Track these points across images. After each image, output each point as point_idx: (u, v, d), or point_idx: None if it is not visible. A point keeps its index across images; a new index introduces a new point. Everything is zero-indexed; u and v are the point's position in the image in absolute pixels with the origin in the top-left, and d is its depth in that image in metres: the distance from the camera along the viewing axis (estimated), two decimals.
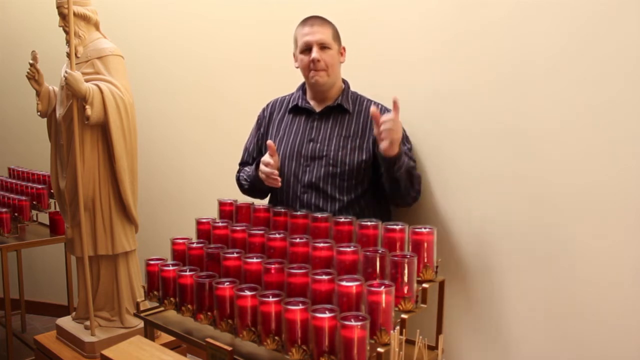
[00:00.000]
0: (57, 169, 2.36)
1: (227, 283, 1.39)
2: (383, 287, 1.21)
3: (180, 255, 1.65)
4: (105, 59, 2.24)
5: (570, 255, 1.62)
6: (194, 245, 1.61)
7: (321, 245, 1.43)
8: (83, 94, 2.11)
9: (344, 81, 1.93)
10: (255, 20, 2.52)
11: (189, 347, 2.19)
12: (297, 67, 1.88)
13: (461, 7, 1.81)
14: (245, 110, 2.51)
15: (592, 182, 1.56)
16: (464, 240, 1.86)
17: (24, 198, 2.86)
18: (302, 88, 1.97)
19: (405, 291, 1.31)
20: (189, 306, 1.50)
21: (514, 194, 1.73)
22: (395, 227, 1.45)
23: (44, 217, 3.00)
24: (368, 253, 1.35)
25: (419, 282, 1.38)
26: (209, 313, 1.45)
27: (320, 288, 1.27)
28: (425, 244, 1.41)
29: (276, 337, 1.27)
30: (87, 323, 2.32)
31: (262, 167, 1.78)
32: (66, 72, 2.14)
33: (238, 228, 1.64)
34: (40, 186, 2.99)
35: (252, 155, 2.05)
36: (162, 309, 1.62)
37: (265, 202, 2.00)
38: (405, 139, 1.84)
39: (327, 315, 1.17)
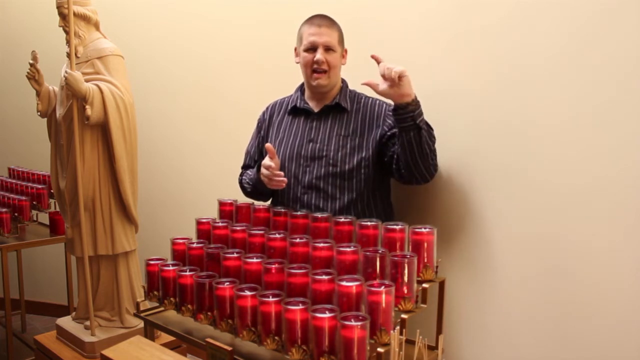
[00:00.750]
0: (57, 169, 2.36)
1: (227, 283, 1.39)
2: (383, 287, 1.21)
3: (180, 255, 1.65)
4: (105, 59, 2.24)
5: (571, 255, 1.62)
6: (194, 245, 1.61)
7: (321, 245, 1.43)
8: (83, 94, 2.11)
9: (342, 80, 1.93)
10: (255, 20, 2.52)
11: (189, 347, 2.19)
12: (297, 63, 1.88)
13: (461, 7, 1.81)
14: (245, 110, 2.51)
15: (592, 182, 1.56)
16: (464, 240, 1.86)
17: (24, 198, 2.86)
18: (301, 89, 1.97)
19: (405, 291, 1.31)
20: (189, 306, 1.50)
21: (514, 194, 1.73)
22: (395, 227, 1.45)
23: (44, 217, 3.00)
24: (368, 253, 1.35)
25: (419, 282, 1.38)
26: (209, 313, 1.45)
27: (320, 288, 1.27)
28: (425, 244, 1.41)
29: (276, 337, 1.27)
30: (87, 323, 2.32)
31: (263, 170, 1.78)
32: (66, 72, 2.14)
33: (238, 228, 1.64)
34: (40, 186, 2.99)
35: (253, 159, 2.05)
36: (162, 309, 1.62)
37: (265, 202, 2.00)
38: None
39: (327, 315, 1.17)
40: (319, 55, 1.78)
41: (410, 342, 1.31)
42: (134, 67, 2.54)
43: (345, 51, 1.90)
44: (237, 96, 2.63)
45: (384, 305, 1.20)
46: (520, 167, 1.71)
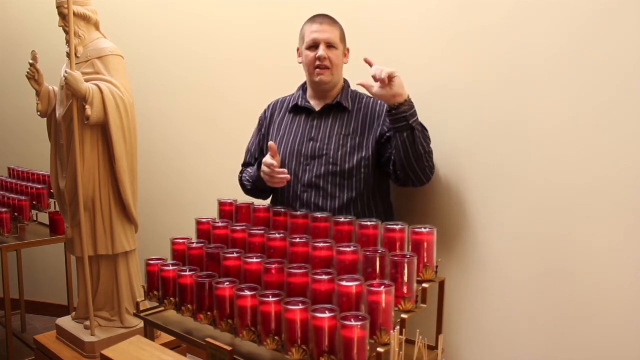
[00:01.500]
0: (57, 169, 2.36)
1: (227, 283, 1.39)
2: (383, 287, 1.21)
3: (180, 255, 1.65)
4: (105, 59, 2.24)
5: (570, 255, 1.62)
6: (194, 245, 1.61)
7: (321, 245, 1.43)
8: (83, 94, 2.11)
9: (345, 80, 1.93)
10: (255, 20, 2.52)
11: (189, 347, 2.19)
12: (300, 63, 1.89)
13: (461, 7, 1.81)
14: (245, 110, 2.51)
15: (592, 182, 1.56)
16: (464, 240, 1.86)
17: (24, 198, 2.86)
18: (303, 88, 1.97)
19: (405, 291, 1.31)
20: (189, 306, 1.50)
21: (514, 194, 1.73)
22: (395, 227, 1.45)
23: (44, 217, 3.00)
24: (368, 253, 1.35)
25: (419, 282, 1.38)
26: (209, 313, 1.45)
27: (320, 288, 1.27)
28: (425, 244, 1.41)
29: (276, 337, 1.27)
30: (87, 323, 2.32)
31: (264, 167, 1.78)
32: (66, 72, 2.14)
33: (238, 228, 1.64)
34: (40, 186, 2.99)
35: (254, 157, 2.05)
36: (162, 309, 1.62)
37: (265, 202, 2.00)
38: None
39: (327, 315, 1.17)
40: (321, 51, 1.79)
41: (410, 342, 1.31)
42: (134, 67, 2.54)
43: (348, 50, 1.90)
44: (237, 96, 2.63)
45: (384, 305, 1.20)
46: (520, 167, 1.71)
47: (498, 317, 1.80)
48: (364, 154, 1.80)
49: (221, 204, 1.86)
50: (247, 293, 1.32)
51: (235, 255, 1.49)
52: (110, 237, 2.30)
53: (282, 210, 1.72)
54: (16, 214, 2.85)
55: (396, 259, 1.32)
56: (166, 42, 2.94)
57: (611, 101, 1.51)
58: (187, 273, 1.51)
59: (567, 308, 1.64)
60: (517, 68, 1.69)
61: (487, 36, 1.76)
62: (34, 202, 2.94)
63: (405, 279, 1.31)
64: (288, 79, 2.11)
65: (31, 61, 2.28)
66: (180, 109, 2.93)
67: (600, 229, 1.56)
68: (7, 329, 2.71)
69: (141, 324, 1.93)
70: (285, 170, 1.77)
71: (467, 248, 1.85)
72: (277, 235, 1.54)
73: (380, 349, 1.19)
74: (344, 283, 1.24)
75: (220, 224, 1.70)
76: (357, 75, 1.95)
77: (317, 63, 1.81)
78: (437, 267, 1.44)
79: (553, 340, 1.67)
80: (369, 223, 1.50)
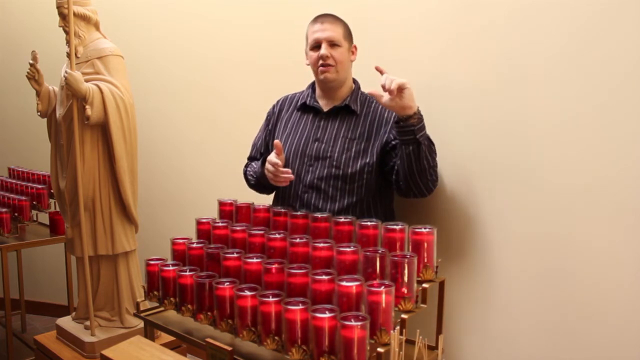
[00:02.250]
0: (57, 169, 2.36)
1: (227, 283, 1.39)
2: (383, 287, 1.21)
3: (180, 255, 1.65)
4: (105, 59, 2.24)
5: (571, 255, 1.62)
6: (194, 245, 1.61)
7: (321, 245, 1.43)
8: (83, 94, 2.11)
9: (355, 81, 1.92)
10: (256, 20, 2.52)
11: (189, 347, 2.19)
12: (308, 64, 1.88)
13: (461, 7, 1.81)
14: (245, 110, 2.51)
15: (592, 182, 1.56)
16: (464, 240, 1.86)
17: (24, 198, 2.86)
18: (312, 86, 1.97)
19: (405, 291, 1.31)
20: (189, 306, 1.50)
21: (514, 194, 1.73)
22: (395, 227, 1.45)
23: (44, 217, 3.00)
24: (368, 253, 1.35)
25: (419, 282, 1.38)
26: (209, 313, 1.45)
27: (320, 288, 1.27)
28: (425, 244, 1.41)
29: (276, 337, 1.27)
30: (87, 323, 2.32)
31: (268, 166, 1.78)
32: (66, 72, 2.14)
33: (238, 228, 1.64)
34: (40, 186, 2.99)
35: (259, 151, 2.05)
36: (162, 309, 1.62)
37: (265, 201, 2.00)
38: None
39: (327, 315, 1.17)
40: (323, 50, 1.78)
41: (410, 342, 1.31)
42: (134, 67, 2.54)
43: (355, 47, 1.88)
44: (237, 96, 2.63)
45: (384, 305, 1.20)
46: (520, 167, 1.71)
47: (498, 317, 1.80)
48: (367, 160, 1.79)
49: (221, 204, 1.86)
50: (247, 293, 1.32)
51: (235, 255, 1.49)
52: (110, 237, 2.30)
53: (282, 210, 1.72)
54: (16, 214, 2.85)
55: (396, 259, 1.32)
56: (166, 42, 2.94)
57: (611, 101, 1.51)
58: (187, 273, 1.51)
59: (567, 308, 1.64)
60: (517, 68, 1.69)
61: (487, 36, 1.76)
62: (34, 202, 2.94)
63: (405, 279, 1.31)
64: (288, 78, 2.11)
65: (31, 61, 2.28)
66: (180, 109, 2.93)
67: (601, 229, 1.56)
68: (7, 329, 2.71)
69: (141, 324, 1.93)
70: (289, 170, 1.77)
71: (467, 248, 1.85)
72: (277, 235, 1.54)
73: (380, 349, 1.19)
74: (344, 283, 1.24)
75: (220, 224, 1.70)
76: (361, 75, 1.95)
77: (320, 62, 1.80)
78: (437, 267, 1.44)
79: (553, 339, 1.67)
80: (369, 223, 1.50)
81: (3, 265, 2.66)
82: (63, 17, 2.20)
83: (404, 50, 1.98)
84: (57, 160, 2.36)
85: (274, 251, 1.52)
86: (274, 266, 1.38)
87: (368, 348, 1.15)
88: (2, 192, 3.06)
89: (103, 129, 2.22)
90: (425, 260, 1.41)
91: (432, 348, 1.39)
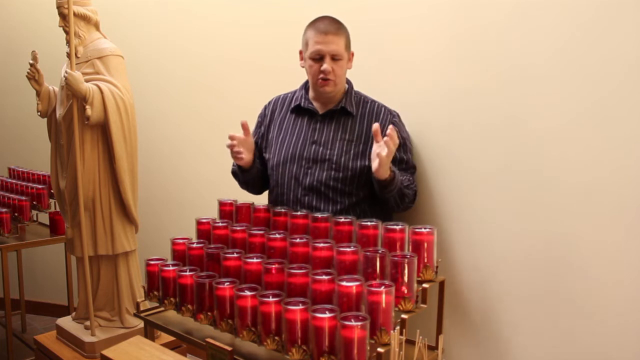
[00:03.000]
0: (57, 169, 2.36)
1: (227, 283, 1.39)
2: (383, 287, 1.21)
3: (180, 255, 1.65)
4: (106, 59, 2.24)
5: (570, 254, 1.62)
6: (194, 245, 1.61)
7: (321, 245, 1.43)
8: (83, 94, 2.11)
9: (348, 81, 1.91)
10: (255, 20, 2.52)
11: (189, 347, 2.19)
12: (303, 67, 1.85)
13: (462, 7, 1.81)
14: (245, 110, 2.50)
15: (593, 180, 1.56)
16: (464, 240, 1.86)
17: (24, 198, 2.86)
18: (305, 87, 1.95)
19: (405, 291, 1.31)
20: (189, 306, 1.50)
21: (515, 194, 1.73)
22: (395, 227, 1.45)
23: (44, 217, 2.99)
24: (368, 253, 1.35)
25: (419, 282, 1.38)
26: (209, 313, 1.45)
27: (320, 288, 1.27)
28: (425, 244, 1.41)
29: (276, 337, 1.27)
30: (87, 323, 2.32)
31: (228, 141, 1.80)
32: (66, 72, 2.14)
33: (238, 228, 1.64)
34: (40, 186, 2.99)
35: None
36: (162, 309, 1.62)
37: (265, 201, 2.00)
38: (405, 149, 1.83)
39: (327, 315, 1.17)
40: (326, 65, 1.75)
41: (410, 342, 1.31)
42: (134, 67, 2.54)
43: (352, 54, 1.86)
44: (237, 96, 2.63)
45: (384, 305, 1.20)
46: (520, 166, 1.71)
47: (498, 316, 1.80)
48: (366, 162, 1.79)
49: (221, 204, 1.86)
50: (247, 293, 1.32)
51: (235, 255, 1.49)
52: (110, 237, 2.30)
53: (282, 210, 1.72)
54: (16, 214, 2.85)
55: (396, 259, 1.32)
56: (166, 42, 2.94)
57: (611, 101, 1.51)
58: (187, 273, 1.51)
59: (568, 307, 1.64)
60: (517, 68, 1.69)
61: (487, 36, 1.76)
62: (34, 202, 2.94)
63: (405, 279, 1.31)
64: (288, 78, 2.10)
65: (31, 61, 2.28)
66: (180, 109, 2.93)
67: (601, 228, 1.56)
68: (7, 329, 2.71)
69: (141, 324, 1.93)
70: (236, 143, 1.79)
71: (467, 248, 1.85)
72: (277, 235, 1.54)
73: (380, 349, 1.19)
74: (344, 283, 1.24)
75: (220, 224, 1.70)
76: (356, 77, 1.95)
77: (322, 76, 1.77)
78: (437, 267, 1.44)
79: (553, 339, 1.67)
80: (369, 223, 1.50)
81: (3, 265, 2.66)
82: (63, 17, 2.20)
83: (404, 50, 1.98)
84: (57, 160, 2.36)
85: (274, 251, 1.52)
86: (274, 266, 1.38)
87: (368, 348, 1.15)
88: (2, 192, 3.06)
89: (103, 129, 2.22)
90: (425, 260, 1.42)
91: (432, 348, 1.39)
